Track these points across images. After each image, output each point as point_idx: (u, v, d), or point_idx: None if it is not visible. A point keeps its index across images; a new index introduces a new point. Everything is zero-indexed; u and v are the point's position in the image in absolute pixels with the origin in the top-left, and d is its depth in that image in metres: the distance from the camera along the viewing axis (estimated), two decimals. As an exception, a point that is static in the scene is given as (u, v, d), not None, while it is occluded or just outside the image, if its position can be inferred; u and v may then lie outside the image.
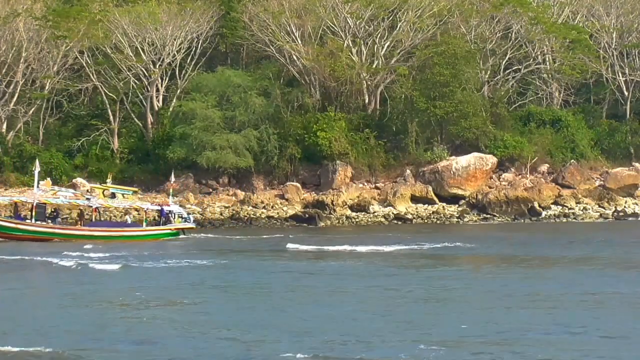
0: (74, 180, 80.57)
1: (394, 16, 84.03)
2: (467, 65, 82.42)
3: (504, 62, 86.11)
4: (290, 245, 56.34)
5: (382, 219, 76.63)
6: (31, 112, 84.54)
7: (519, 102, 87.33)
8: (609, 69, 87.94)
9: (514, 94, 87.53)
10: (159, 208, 67.51)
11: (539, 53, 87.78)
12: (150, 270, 45.31)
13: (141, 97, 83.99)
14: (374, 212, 77.47)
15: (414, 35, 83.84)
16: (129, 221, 68.64)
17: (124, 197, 67.11)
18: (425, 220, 76.52)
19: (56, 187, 66.53)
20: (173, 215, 66.84)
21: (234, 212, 77.30)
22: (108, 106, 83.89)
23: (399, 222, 76.10)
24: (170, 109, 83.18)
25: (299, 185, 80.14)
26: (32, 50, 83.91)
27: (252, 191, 79.96)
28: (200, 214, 76.76)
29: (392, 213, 77.24)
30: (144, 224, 67.16)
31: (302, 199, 78.81)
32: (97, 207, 66.20)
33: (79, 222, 65.83)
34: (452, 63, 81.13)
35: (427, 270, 45.20)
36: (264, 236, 65.12)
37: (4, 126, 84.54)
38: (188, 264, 47.71)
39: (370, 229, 72.71)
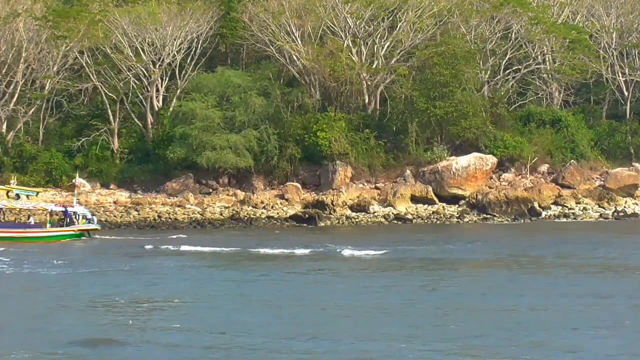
0: (74, 181, 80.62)
1: (394, 16, 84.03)
2: (467, 65, 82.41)
3: (504, 62, 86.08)
4: (183, 247, 57.00)
5: (382, 219, 76.60)
6: (31, 112, 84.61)
7: (519, 102, 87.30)
8: (609, 69, 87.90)
9: (514, 94, 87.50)
10: (63, 209, 66.98)
11: (539, 53, 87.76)
12: (39, 276, 45.66)
13: (141, 97, 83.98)
14: (374, 212, 77.46)
15: (414, 35, 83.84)
16: (33, 222, 67.93)
17: (28, 198, 67.03)
18: (425, 221, 76.47)
19: None
20: (77, 216, 66.39)
21: (234, 212, 77.26)
22: (108, 106, 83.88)
23: (399, 222, 76.06)
24: (170, 109, 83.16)
25: (299, 185, 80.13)
26: (32, 50, 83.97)
27: (252, 191, 79.95)
28: (200, 214, 76.79)
29: (392, 213, 77.22)
30: (48, 225, 66.74)
31: (302, 199, 78.80)
32: (0, 208, 66.15)
33: None
34: (452, 63, 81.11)
35: (251, 273, 45.63)
36: (157, 237, 64.80)
37: (4, 126, 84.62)
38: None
39: (365, 229, 72.56)
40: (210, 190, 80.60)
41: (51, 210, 67.17)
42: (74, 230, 66.01)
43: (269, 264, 49.58)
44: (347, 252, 53.21)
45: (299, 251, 54.42)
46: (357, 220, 76.61)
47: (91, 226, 66.54)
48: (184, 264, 49.45)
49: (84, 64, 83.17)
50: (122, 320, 32.79)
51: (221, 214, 77.15)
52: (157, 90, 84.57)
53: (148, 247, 58.02)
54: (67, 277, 45.24)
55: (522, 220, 76.99)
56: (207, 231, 71.29)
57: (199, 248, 56.47)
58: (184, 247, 56.82)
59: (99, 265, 48.99)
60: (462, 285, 40.91)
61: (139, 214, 76.83)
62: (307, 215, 76.52)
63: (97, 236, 65.90)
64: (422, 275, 44.51)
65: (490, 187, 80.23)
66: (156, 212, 77.02)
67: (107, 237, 65.63)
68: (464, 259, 51.86)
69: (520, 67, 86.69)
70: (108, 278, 44.43)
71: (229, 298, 37.88)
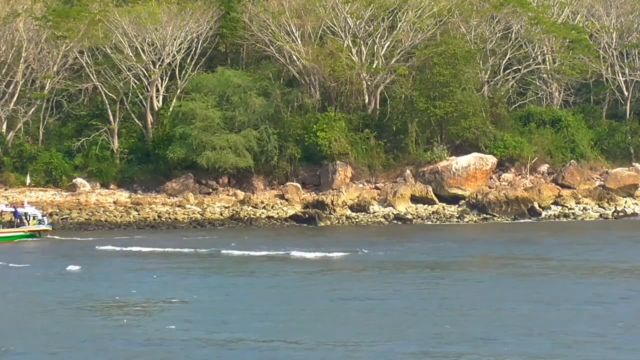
0: (74, 180, 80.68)
1: (394, 16, 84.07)
2: (467, 65, 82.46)
3: (504, 62, 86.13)
4: (98, 247, 57.48)
5: (382, 219, 76.60)
6: (31, 112, 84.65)
7: (519, 102, 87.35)
8: (609, 69, 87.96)
9: (514, 94, 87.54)
10: (13, 210, 66.86)
11: (539, 53, 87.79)
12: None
13: (141, 97, 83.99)
14: (374, 212, 77.47)
15: (414, 35, 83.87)
16: None
17: None
18: (425, 221, 76.46)
19: None
20: (28, 217, 66.25)
21: (234, 212, 77.27)
22: (108, 106, 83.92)
23: (399, 222, 76.06)
24: (170, 109, 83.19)
25: (299, 185, 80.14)
26: (32, 50, 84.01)
27: (252, 191, 79.97)
28: (200, 214, 76.78)
29: (392, 213, 77.24)
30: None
31: (302, 199, 78.81)
32: None
33: None
34: (452, 63, 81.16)
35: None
36: (106, 238, 64.79)
37: (4, 126, 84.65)
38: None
39: (363, 229, 72.36)
40: (210, 190, 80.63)
41: (1, 210, 67.22)
42: (24, 231, 65.89)
43: (214, 267, 48.90)
44: (298, 254, 52.10)
45: (255, 253, 53.39)
46: (357, 220, 76.61)
47: (42, 227, 66.43)
48: (130, 266, 48.98)
49: (84, 64, 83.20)
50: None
51: (221, 214, 77.17)
52: (157, 90, 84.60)
53: (98, 247, 58.08)
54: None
55: (522, 220, 76.93)
56: (166, 232, 70.81)
57: (148, 249, 56.22)
58: (135, 248, 56.58)
59: (40, 267, 49.02)
60: (393, 290, 39.22)
61: (139, 214, 76.86)
62: (307, 215, 76.53)
63: (49, 236, 65.75)
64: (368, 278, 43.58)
65: (490, 187, 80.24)
66: (156, 212, 77.03)
67: (59, 237, 65.46)
68: (417, 261, 50.05)
69: (520, 67, 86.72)
70: (44, 280, 44.25)
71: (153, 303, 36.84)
